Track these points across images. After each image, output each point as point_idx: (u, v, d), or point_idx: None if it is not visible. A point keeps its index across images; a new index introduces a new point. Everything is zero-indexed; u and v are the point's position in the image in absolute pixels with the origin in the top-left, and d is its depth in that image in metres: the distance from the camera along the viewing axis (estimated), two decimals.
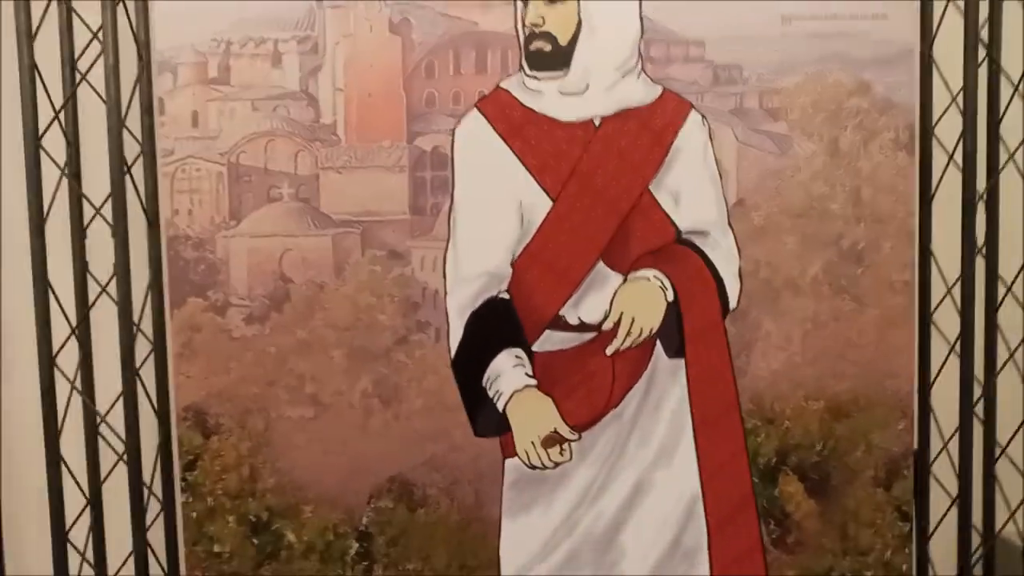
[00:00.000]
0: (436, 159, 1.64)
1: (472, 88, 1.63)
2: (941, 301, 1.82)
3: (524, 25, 1.60)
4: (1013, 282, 1.81)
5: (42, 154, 1.62)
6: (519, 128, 1.62)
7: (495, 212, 1.63)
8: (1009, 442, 1.84)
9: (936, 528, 1.84)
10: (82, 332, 1.66)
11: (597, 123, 1.63)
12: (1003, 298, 1.80)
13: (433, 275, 1.65)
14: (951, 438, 1.82)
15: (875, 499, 1.76)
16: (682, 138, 1.66)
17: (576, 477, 1.68)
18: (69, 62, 1.62)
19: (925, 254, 1.80)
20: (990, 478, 1.83)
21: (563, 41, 1.60)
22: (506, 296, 1.64)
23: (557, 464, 1.63)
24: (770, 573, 1.74)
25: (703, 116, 1.66)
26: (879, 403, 1.74)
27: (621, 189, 1.64)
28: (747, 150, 1.68)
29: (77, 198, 1.66)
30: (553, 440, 1.62)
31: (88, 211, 1.66)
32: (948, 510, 1.83)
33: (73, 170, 1.66)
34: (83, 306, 1.66)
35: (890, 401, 1.74)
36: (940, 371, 1.82)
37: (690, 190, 1.67)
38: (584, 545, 1.70)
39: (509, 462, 1.67)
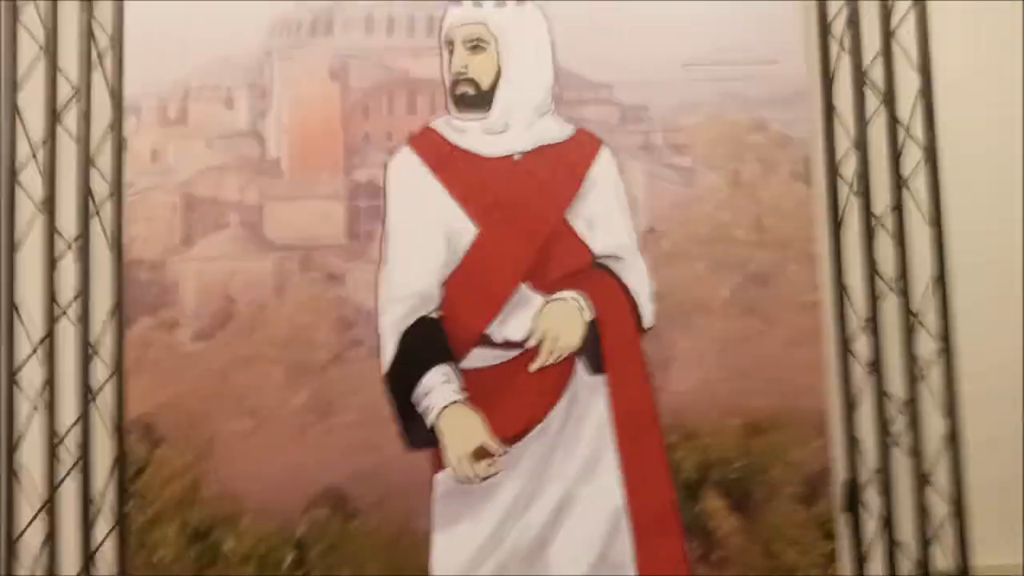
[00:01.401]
0: (370, 190, 1.81)
1: (404, 127, 1.81)
2: (855, 333, 1.92)
3: (450, 72, 1.80)
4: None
5: (18, 189, 1.80)
6: (446, 162, 1.79)
7: (424, 238, 1.77)
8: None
9: (868, 551, 1.88)
10: (45, 354, 1.79)
11: (517, 158, 1.80)
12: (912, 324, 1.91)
13: (367, 296, 1.78)
14: (877, 471, 1.88)
15: (798, 516, 1.81)
16: (595, 171, 1.82)
17: (503, 490, 1.75)
18: (50, 108, 1.82)
19: (838, 287, 1.91)
20: (922, 508, 1.87)
21: (485, 86, 1.79)
22: (436, 315, 1.76)
23: (486, 477, 1.72)
24: None
25: (612, 151, 1.82)
26: (794, 421, 1.82)
27: (540, 217, 1.79)
28: (655, 182, 1.84)
29: (50, 232, 1.82)
30: (481, 454, 1.71)
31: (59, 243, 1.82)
32: (875, 534, 1.87)
33: (49, 208, 1.82)
34: (50, 328, 1.78)
35: (805, 418, 1.82)
36: (860, 396, 1.90)
37: (603, 218, 1.81)
38: (512, 559, 1.75)
39: (439, 475, 1.75)
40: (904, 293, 1.90)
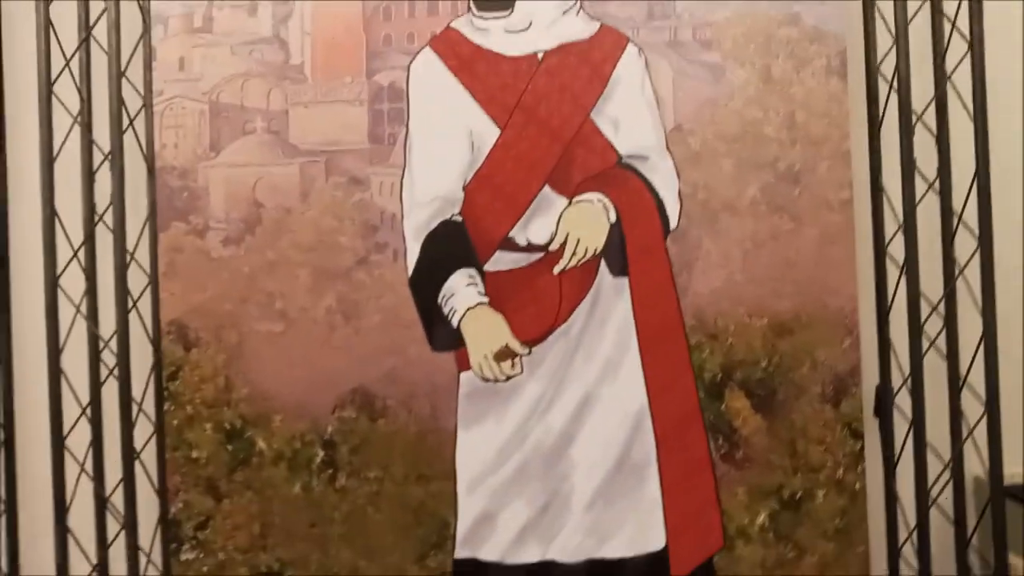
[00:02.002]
0: (393, 93, 1.80)
1: (425, 29, 1.79)
2: (894, 234, 1.86)
3: None
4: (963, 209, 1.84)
5: (55, 101, 1.84)
6: (468, 63, 1.77)
7: (447, 140, 1.77)
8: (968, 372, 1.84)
9: (899, 458, 1.85)
10: (87, 261, 1.84)
11: (540, 57, 1.77)
12: (956, 227, 1.85)
13: (391, 200, 1.79)
14: (908, 377, 1.84)
15: (824, 416, 1.79)
16: (620, 69, 1.78)
17: (526, 390, 1.78)
18: (84, 24, 1.85)
19: (876, 186, 1.86)
20: (956, 412, 1.84)
21: None
22: (459, 219, 1.77)
23: (509, 377, 1.74)
24: (720, 488, 1.78)
25: (639, 48, 1.78)
26: (822, 320, 1.78)
27: (564, 118, 1.77)
28: (682, 79, 1.79)
29: (87, 142, 1.86)
30: (505, 354, 1.72)
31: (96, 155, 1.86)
32: (905, 440, 1.84)
33: (85, 120, 1.87)
34: (90, 232, 1.84)
35: (834, 318, 1.79)
36: (893, 298, 1.85)
37: (629, 117, 1.78)
38: (535, 457, 1.78)
39: (464, 375, 1.78)
40: (943, 192, 1.84)
